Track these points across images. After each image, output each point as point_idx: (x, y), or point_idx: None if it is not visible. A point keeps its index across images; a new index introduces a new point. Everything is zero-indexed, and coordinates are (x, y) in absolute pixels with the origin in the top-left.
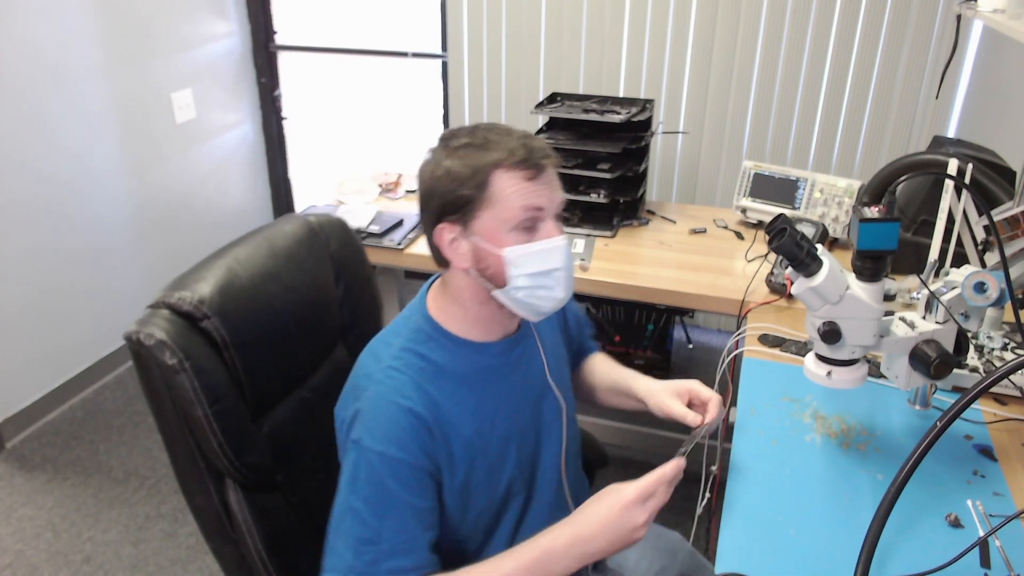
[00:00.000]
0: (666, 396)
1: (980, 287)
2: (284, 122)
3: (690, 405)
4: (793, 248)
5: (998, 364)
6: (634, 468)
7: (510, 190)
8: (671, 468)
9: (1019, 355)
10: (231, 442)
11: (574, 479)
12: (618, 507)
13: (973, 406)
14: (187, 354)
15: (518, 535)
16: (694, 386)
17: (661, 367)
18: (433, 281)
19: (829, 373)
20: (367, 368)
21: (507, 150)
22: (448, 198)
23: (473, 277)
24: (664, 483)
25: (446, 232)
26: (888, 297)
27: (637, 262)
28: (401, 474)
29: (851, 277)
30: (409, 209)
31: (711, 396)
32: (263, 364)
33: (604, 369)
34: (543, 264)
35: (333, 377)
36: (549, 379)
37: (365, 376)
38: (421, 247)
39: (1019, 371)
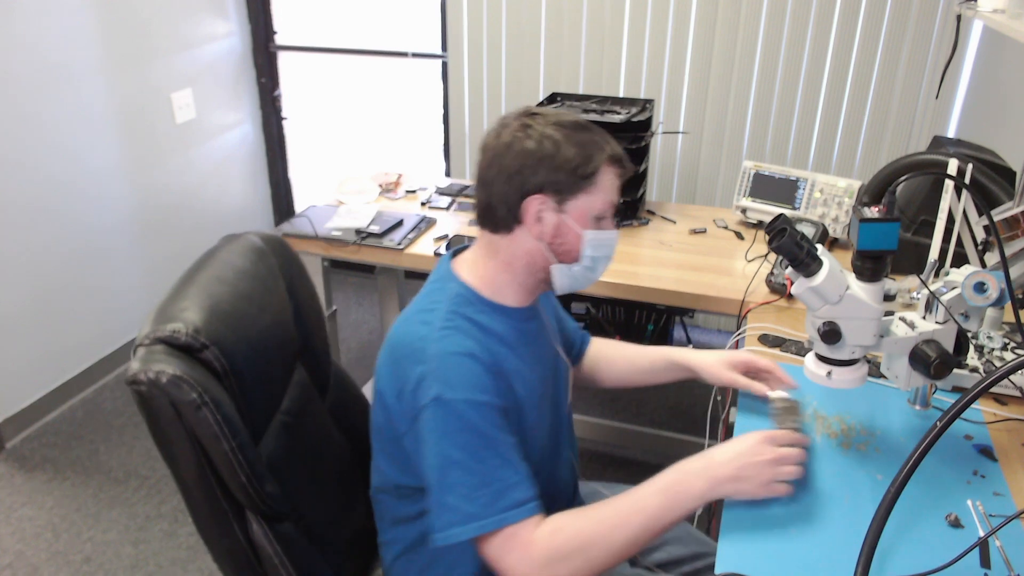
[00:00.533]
0: (723, 368)
1: (980, 287)
2: (284, 122)
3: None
4: (793, 248)
5: (998, 364)
6: (634, 468)
7: (609, 184)
8: (800, 435)
9: (1019, 355)
10: (255, 473)
11: (573, 441)
12: (750, 439)
13: (973, 406)
14: (203, 388)
15: (548, 495)
16: (747, 357)
17: None
18: (456, 253)
19: (829, 373)
20: (418, 333)
21: (612, 147)
22: (559, 175)
23: (541, 248)
24: (793, 440)
25: (537, 203)
26: (888, 297)
27: (637, 262)
28: (489, 415)
29: (851, 277)
30: (409, 209)
31: (769, 365)
32: (254, 390)
33: (632, 351)
34: (604, 251)
35: (300, 397)
36: (556, 344)
37: (419, 339)
38: (421, 247)
39: (1019, 371)
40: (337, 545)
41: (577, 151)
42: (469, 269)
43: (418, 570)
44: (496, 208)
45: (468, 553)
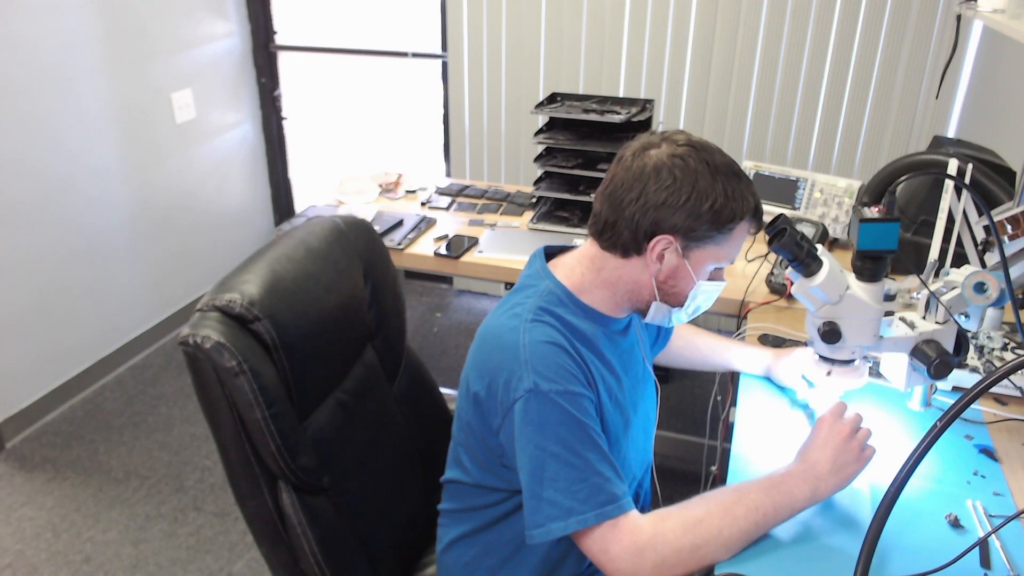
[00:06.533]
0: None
1: (980, 287)
2: (284, 122)
3: None
4: (793, 248)
5: (998, 364)
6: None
7: (740, 240)
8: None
9: (1019, 355)
10: (287, 444)
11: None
12: (822, 426)
13: (973, 406)
14: (244, 356)
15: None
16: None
17: (660, 368)
18: (553, 254)
19: (829, 373)
20: (508, 325)
21: (756, 200)
22: (698, 222)
23: (651, 284)
24: (842, 408)
25: (665, 242)
26: (888, 297)
27: None
28: (584, 407)
29: (851, 277)
30: (409, 209)
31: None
32: (307, 366)
33: (708, 347)
34: (707, 301)
35: (365, 378)
36: (646, 362)
37: (509, 331)
38: (421, 247)
39: (1019, 371)
40: (378, 531)
41: (724, 200)
42: (567, 273)
43: (473, 556)
44: (621, 231)
45: (525, 545)
